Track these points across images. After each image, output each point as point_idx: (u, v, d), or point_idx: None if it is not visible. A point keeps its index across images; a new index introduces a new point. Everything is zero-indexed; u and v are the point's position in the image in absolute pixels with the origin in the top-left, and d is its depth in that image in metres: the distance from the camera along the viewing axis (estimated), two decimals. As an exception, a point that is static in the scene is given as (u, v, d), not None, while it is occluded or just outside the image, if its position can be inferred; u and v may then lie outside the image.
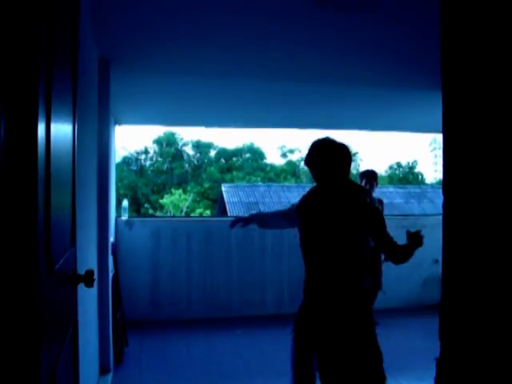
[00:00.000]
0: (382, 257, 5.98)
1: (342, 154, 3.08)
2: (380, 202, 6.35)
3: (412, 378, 4.52)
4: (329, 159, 3.04)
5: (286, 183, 31.02)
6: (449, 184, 2.21)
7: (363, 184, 6.25)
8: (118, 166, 11.82)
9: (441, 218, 2.26)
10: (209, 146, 35.57)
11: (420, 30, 3.71)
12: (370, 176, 6.30)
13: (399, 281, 6.60)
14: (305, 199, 3.25)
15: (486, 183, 2.00)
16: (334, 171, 3.05)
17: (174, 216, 25.09)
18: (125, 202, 7.16)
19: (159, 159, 34.56)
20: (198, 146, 35.16)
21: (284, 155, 38.11)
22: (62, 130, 1.81)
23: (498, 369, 1.93)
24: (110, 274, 4.75)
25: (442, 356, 2.18)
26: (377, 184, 6.29)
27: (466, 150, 2.09)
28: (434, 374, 2.21)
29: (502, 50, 1.92)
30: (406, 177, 36.07)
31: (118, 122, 6.94)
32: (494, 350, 1.95)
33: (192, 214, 28.40)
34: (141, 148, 35.02)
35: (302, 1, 3.32)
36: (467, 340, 2.06)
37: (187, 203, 30.25)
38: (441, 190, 2.30)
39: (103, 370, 4.41)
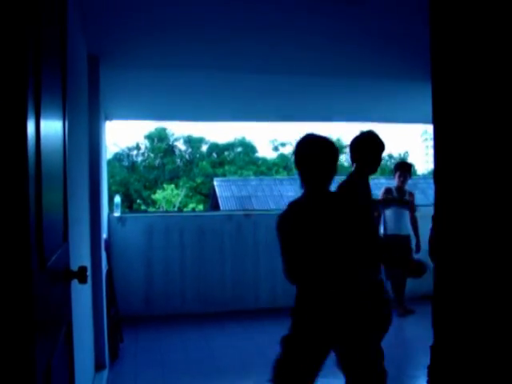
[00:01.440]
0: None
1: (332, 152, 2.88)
2: (411, 194, 6.46)
3: (407, 366, 4.55)
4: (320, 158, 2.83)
5: (278, 176, 31.03)
6: (440, 174, 2.23)
7: (397, 176, 6.37)
8: (109, 162, 11.79)
9: (432, 208, 2.27)
10: (200, 140, 35.49)
11: (409, 20, 3.72)
12: (405, 168, 6.45)
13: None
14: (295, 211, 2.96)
15: (476, 173, 2.01)
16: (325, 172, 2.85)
17: (166, 211, 25.04)
18: (117, 198, 7.15)
19: (151, 155, 34.45)
20: (190, 141, 35.07)
21: (275, 149, 38.10)
22: (52, 127, 1.80)
23: (490, 355, 1.95)
24: (104, 271, 4.75)
25: (436, 344, 2.20)
26: (410, 176, 6.42)
27: (457, 140, 2.10)
28: (427, 361, 2.23)
29: (490, 42, 1.92)
30: (398, 168, 36.10)
31: (109, 118, 6.92)
32: (486, 338, 1.97)
33: (185, 209, 28.37)
34: (132, 144, 34.93)
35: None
36: (459, 328, 2.07)
37: (180, 198, 30.21)
38: (432, 181, 2.31)
39: (99, 366, 4.41)
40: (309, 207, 2.88)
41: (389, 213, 6.35)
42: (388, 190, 6.44)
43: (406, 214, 6.33)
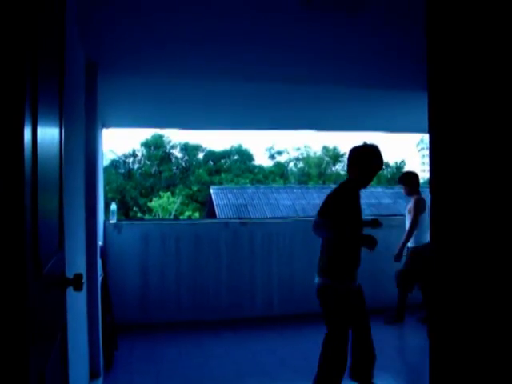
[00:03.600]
0: None
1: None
2: (415, 201, 6.52)
3: (408, 372, 4.54)
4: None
5: (275, 184, 31.06)
6: (436, 183, 2.23)
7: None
8: (105, 169, 11.74)
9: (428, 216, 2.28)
10: (197, 148, 35.54)
11: (406, 30, 3.74)
12: (400, 179, 6.73)
13: (390, 280, 6.59)
14: None
15: (472, 182, 2.01)
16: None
17: (162, 219, 25.00)
18: (113, 206, 7.13)
19: (147, 162, 34.47)
20: (186, 149, 35.11)
21: (272, 157, 38.21)
22: (48, 134, 1.80)
23: (488, 365, 1.95)
24: (99, 278, 4.73)
25: (432, 351, 2.20)
26: (407, 184, 6.57)
27: (453, 149, 2.11)
28: (425, 368, 2.22)
29: (487, 50, 1.93)
30: (394, 177, 36.33)
31: (106, 125, 6.92)
32: (483, 346, 1.97)
33: (181, 217, 28.35)
34: (129, 151, 34.95)
35: (289, 2, 3.33)
36: (456, 338, 2.07)
37: (176, 206, 30.20)
38: (428, 190, 2.32)
39: (93, 374, 4.38)
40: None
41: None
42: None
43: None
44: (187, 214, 29.88)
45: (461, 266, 2.05)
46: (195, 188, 31.91)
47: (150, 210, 30.30)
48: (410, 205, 6.46)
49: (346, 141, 31.72)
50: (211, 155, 35.53)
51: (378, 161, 3.91)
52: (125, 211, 29.96)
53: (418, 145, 40.65)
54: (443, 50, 2.16)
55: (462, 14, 2.06)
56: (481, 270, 1.97)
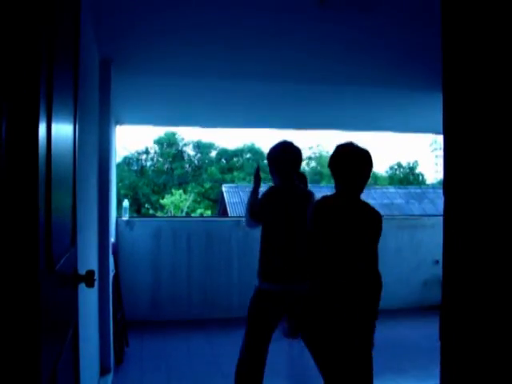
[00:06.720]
0: None
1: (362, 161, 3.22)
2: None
3: (411, 379, 4.52)
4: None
5: (287, 183, 30.91)
6: (449, 185, 2.21)
7: None
8: (118, 166, 11.80)
9: (441, 218, 2.26)
10: (209, 146, 35.55)
11: (421, 30, 3.71)
12: None
13: (399, 282, 6.59)
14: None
15: (486, 184, 1.99)
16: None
17: (174, 216, 25.08)
18: (125, 203, 7.16)
19: (160, 159, 34.53)
20: (199, 147, 35.14)
21: (285, 156, 38.04)
22: (62, 131, 1.81)
23: (499, 369, 1.93)
24: (111, 275, 4.75)
25: (443, 356, 2.18)
26: None
27: (467, 150, 2.09)
28: (432, 374, 2.21)
29: (503, 50, 1.91)
30: (407, 177, 36.10)
31: (119, 122, 6.94)
32: (495, 350, 1.95)
33: (192, 215, 28.40)
34: (141, 148, 35.02)
35: (303, 3, 3.31)
36: (468, 341, 2.05)
37: (188, 203, 30.26)
38: (441, 191, 2.30)
39: (104, 370, 4.40)
40: (344, 209, 3.14)
41: None
42: None
43: None
44: (199, 211, 29.92)
45: (475, 268, 2.03)
46: (207, 186, 31.94)
47: (162, 207, 30.38)
48: None
49: (359, 140, 31.64)
50: (224, 153, 35.53)
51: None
52: (137, 208, 30.05)
53: (431, 145, 40.41)
54: (459, 49, 2.14)
55: (478, 13, 2.04)
56: (498, 272, 1.95)
